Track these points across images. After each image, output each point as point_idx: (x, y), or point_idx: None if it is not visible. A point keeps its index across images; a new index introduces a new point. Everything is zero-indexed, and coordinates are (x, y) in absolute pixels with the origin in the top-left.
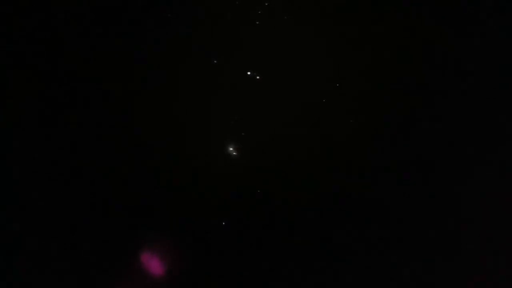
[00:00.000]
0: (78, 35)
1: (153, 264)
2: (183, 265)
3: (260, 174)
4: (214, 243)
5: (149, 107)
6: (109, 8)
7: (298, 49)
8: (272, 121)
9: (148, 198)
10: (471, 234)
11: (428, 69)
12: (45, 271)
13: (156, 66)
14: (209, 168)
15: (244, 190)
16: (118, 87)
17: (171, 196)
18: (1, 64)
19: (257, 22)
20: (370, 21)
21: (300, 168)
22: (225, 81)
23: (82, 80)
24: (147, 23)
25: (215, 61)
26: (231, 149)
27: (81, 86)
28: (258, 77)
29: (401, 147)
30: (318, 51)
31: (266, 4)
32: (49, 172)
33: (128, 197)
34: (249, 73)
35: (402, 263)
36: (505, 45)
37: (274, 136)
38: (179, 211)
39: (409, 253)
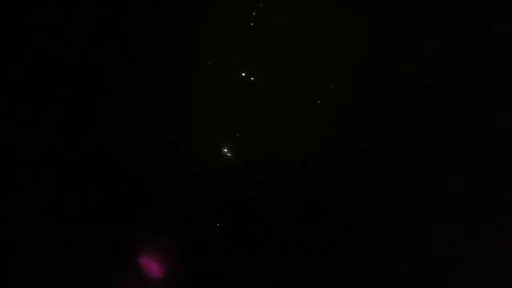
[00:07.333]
0: (75, 34)
1: (148, 266)
2: (179, 266)
3: (255, 175)
4: (209, 244)
5: (143, 108)
6: (104, 9)
7: (293, 51)
8: (267, 122)
9: (142, 199)
10: (471, 233)
11: (426, 69)
12: (44, 271)
13: (149, 67)
14: (203, 169)
15: (239, 191)
16: (112, 88)
17: (165, 198)
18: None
19: (252, 24)
20: (366, 22)
21: (296, 169)
22: (219, 82)
23: (80, 80)
24: (141, 24)
25: (209, 62)
26: (225, 150)
27: (78, 86)
28: (252, 78)
29: (399, 148)
30: (313, 52)
31: (261, 5)
32: (46, 172)
33: (122, 197)
34: (243, 74)
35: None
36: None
37: (270, 137)
38: (174, 212)
39: (408, 254)
